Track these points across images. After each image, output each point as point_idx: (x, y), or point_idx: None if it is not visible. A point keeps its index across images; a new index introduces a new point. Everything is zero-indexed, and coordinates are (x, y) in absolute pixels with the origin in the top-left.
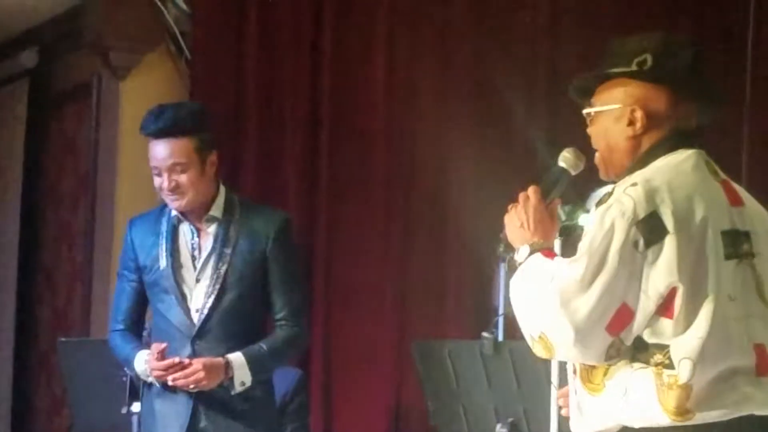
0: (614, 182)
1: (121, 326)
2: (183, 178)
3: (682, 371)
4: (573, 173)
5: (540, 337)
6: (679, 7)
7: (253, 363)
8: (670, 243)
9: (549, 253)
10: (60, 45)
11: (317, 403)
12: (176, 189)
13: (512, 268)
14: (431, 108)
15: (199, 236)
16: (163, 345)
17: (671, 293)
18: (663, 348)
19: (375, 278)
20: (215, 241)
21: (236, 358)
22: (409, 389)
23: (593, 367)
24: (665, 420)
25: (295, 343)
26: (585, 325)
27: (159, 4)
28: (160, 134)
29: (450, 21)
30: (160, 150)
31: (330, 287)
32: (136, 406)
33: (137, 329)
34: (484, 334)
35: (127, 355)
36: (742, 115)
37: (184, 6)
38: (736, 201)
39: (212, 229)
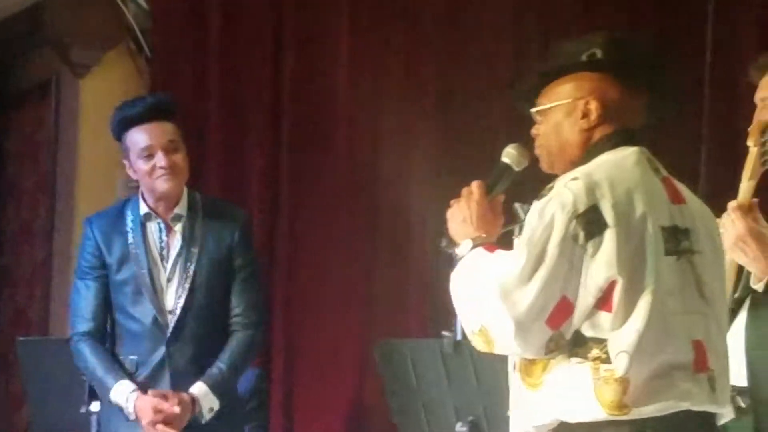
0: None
1: (86, 326)
2: (178, 158)
3: (619, 364)
4: (516, 169)
5: (480, 330)
6: (640, 8)
7: (215, 387)
8: (609, 237)
9: (490, 246)
10: (19, 43)
11: (278, 403)
12: (173, 167)
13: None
14: (395, 109)
15: (167, 235)
16: None
17: (610, 287)
18: (601, 342)
19: (337, 279)
20: (182, 240)
21: (199, 389)
22: (371, 389)
23: (532, 361)
24: (601, 414)
25: (252, 348)
26: (525, 318)
27: (119, 1)
28: (152, 115)
29: (415, 17)
30: (154, 129)
31: (292, 288)
32: (95, 406)
33: (103, 331)
34: (444, 332)
35: (101, 378)
36: (701, 117)
37: (143, 3)
38: (677, 198)
39: (179, 227)
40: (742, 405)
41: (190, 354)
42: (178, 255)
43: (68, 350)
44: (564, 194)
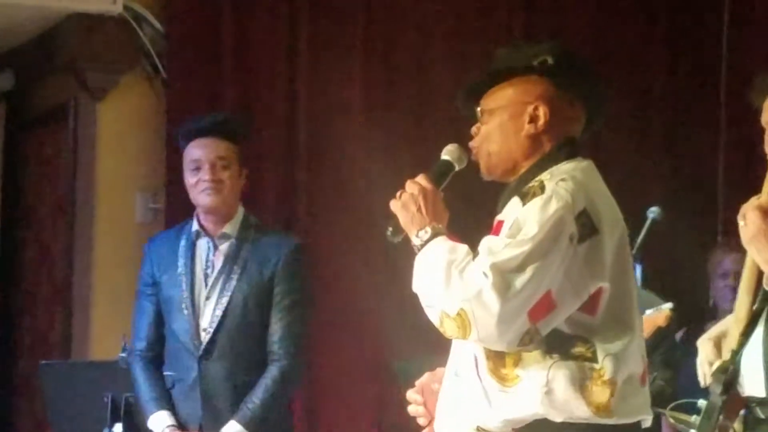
0: (499, 182)
1: (141, 345)
2: (225, 175)
3: (608, 366)
4: (457, 167)
5: (458, 314)
6: (652, 19)
7: (249, 426)
8: (598, 242)
9: (452, 237)
10: (36, 67)
11: (303, 428)
12: (217, 182)
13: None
14: (409, 123)
15: (214, 254)
16: None
17: (597, 292)
18: (586, 341)
19: (356, 299)
20: (226, 260)
21: (232, 429)
22: (394, 408)
23: (502, 358)
24: (588, 415)
25: (288, 379)
26: (512, 304)
27: (134, 24)
28: (209, 131)
29: (428, 34)
30: (207, 144)
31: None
32: (117, 427)
33: (158, 349)
34: None
35: (144, 404)
36: (718, 121)
37: (159, 26)
38: None
39: (224, 247)
40: (762, 416)
41: (223, 373)
42: (219, 273)
43: (90, 373)
44: (562, 193)
